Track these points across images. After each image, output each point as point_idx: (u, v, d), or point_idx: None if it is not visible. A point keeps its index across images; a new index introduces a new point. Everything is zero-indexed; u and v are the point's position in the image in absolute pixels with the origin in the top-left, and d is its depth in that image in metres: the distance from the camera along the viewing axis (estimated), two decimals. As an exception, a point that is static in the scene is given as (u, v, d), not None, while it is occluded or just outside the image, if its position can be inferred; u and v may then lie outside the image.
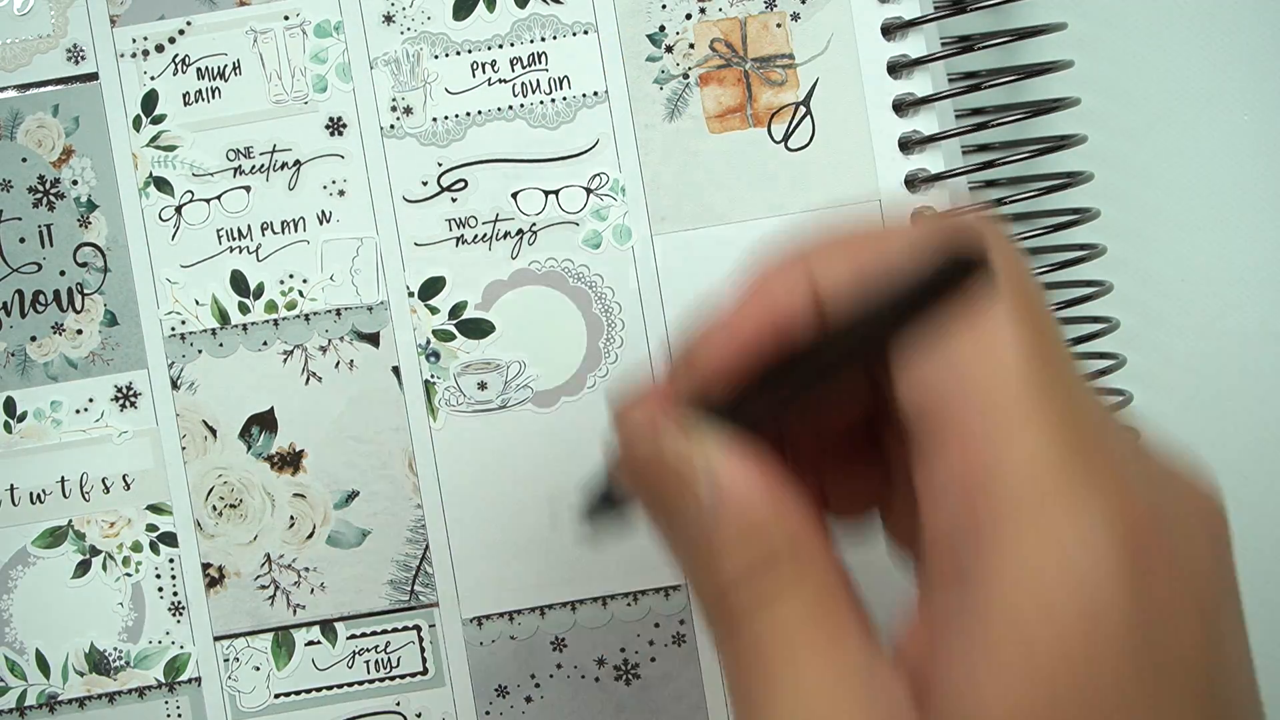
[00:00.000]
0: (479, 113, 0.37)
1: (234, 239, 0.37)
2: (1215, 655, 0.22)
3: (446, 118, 0.37)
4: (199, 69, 0.37)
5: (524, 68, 0.37)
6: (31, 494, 0.37)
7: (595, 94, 0.37)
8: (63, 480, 0.36)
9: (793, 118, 0.36)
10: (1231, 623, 0.22)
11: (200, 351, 0.37)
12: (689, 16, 0.36)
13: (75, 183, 0.36)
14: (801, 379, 0.23)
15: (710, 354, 0.24)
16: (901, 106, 0.36)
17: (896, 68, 0.36)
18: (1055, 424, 0.21)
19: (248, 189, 0.37)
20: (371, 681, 0.37)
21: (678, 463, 0.24)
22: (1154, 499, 0.22)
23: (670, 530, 0.24)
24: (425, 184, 0.37)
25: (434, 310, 0.37)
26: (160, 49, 0.36)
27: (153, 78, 0.36)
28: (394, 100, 0.37)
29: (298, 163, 0.37)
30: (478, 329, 0.37)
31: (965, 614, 0.21)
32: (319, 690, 0.37)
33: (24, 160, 0.36)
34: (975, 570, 0.21)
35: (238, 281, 0.37)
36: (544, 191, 0.37)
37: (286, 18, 0.37)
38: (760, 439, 0.23)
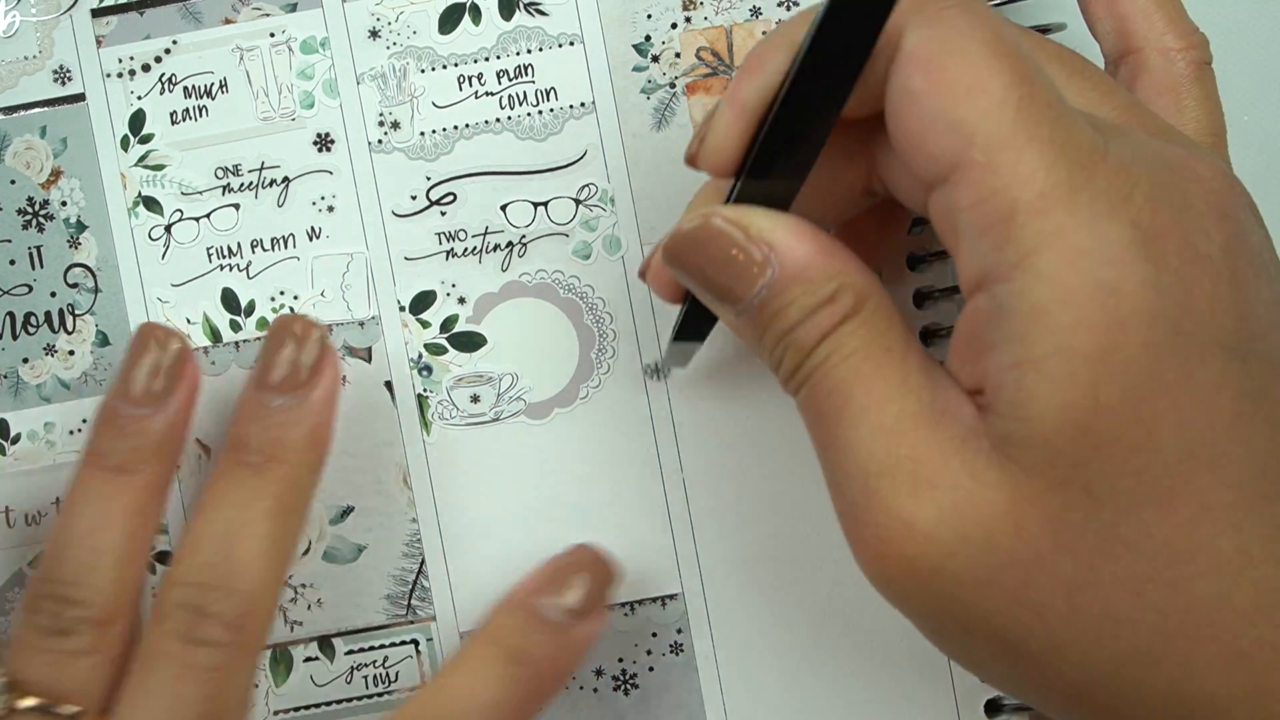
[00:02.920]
0: (466, 126, 0.36)
1: (224, 257, 0.37)
2: (1241, 324, 0.23)
3: (434, 131, 0.36)
4: (186, 88, 0.36)
5: (510, 80, 0.36)
6: (27, 515, 0.37)
7: (582, 105, 0.36)
8: (58, 501, 0.36)
9: (781, 125, 0.36)
10: (1259, 290, 0.23)
11: (193, 370, 0.37)
12: (674, 26, 0.36)
13: (64, 204, 0.36)
14: (802, 117, 0.25)
15: (720, 125, 0.26)
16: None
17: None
18: (1051, 142, 0.23)
19: (237, 206, 0.37)
20: (370, 697, 0.37)
21: (726, 229, 0.26)
22: (1158, 192, 0.23)
23: (729, 302, 0.26)
24: (414, 198, 0.37)
25: (425, 324, 0.37)
26: (147, 68, 0.36)
27: (140, 97, 0.36)
28: (381, 115, 0.36)
29: (286, 179, 0.37)
30: (469, 342, 0.37)
31: (1010, 341, 0.23)
32: (318, 706, 0.37)
33: (13, 182, 0.36)
34: (1010, 299, 0.23)
35: (229, 299, 0.37)
36: (533, 203, 0.36)
37: (272, 35, 0.36)
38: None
